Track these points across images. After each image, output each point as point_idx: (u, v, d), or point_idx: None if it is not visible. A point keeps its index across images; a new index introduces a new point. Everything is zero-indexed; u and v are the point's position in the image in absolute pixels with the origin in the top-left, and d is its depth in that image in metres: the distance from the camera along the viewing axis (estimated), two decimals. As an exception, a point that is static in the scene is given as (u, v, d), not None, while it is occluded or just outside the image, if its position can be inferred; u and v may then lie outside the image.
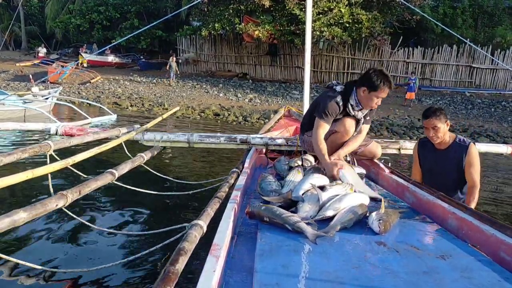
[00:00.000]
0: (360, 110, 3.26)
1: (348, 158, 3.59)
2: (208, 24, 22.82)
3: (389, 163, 4.03)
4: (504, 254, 1.82)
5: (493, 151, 4.71)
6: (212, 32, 22.53)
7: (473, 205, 2.99)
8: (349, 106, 3.23)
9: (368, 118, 3.41)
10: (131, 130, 4.38)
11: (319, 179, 2.69)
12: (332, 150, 3.39)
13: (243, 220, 2.31)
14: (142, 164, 3.69)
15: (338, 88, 3.27)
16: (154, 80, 23.66)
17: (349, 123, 3.28)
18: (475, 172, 3.15)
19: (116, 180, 2.97)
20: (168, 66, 23.82)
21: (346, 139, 3.35)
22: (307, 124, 3.59)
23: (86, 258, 3.41)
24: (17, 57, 32.57)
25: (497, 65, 19.72)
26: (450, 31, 7.91)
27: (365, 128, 3.46)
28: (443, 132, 3.21)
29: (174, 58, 23.92)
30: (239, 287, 1.59)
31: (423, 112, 3.32)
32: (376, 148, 3.73)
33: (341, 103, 3.20)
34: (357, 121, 3.35)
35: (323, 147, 3.14)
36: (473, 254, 1.87)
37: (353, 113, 3.26)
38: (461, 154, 3.20)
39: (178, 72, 24.16)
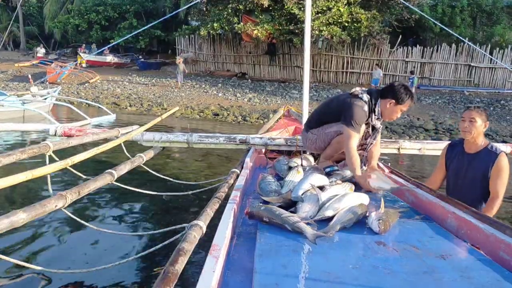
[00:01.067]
0: (378, 119, 3.35)
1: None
2: (207, 23, 22.80)
3: (389, 163, 4.03)
4: (503, 253, 1.82)
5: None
6: (211, 31, 22.51)
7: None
8: (373, 116, 3.30)
9: (379, 126, 3.48)
10: (130, 131, 4.38)
11: (319, 179, 2.69)
12: (337, 150, 3.53)
13: (243, 220, 2.30)
14: (141, 165, 3.69)
15: (365, 98, 3.27)
16: (153, 80, 23.64)
17: (363, 130, 3.36)
18: (500, 184, 2.95)
19: (115, 181, 2.97)
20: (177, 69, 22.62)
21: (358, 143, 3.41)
22: (315, 123, 3.62)
23: (85, 259, 3.41)
24: (16, 57, 32.51)
25: (496, 64, 19.74)
26: (449, 30, 7.91)
27: (379, 136, 3.57)
28: (478, 130, 3.01)
29: (181, 60, 22.87)
30: (238, 287, 1.59)
31: (466, 106, 3.30)
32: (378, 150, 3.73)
33: (368, 113, 3.26)
34: (373, 129, 3.43)
35: (356, 160, 3.09)
36: (473, 253, 1.87)
37: (373, 123, 3.35)
38: (489, 162, 3.00)
39: (186, 71, 23.29)
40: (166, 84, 22.67)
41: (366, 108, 3.22)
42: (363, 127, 3.32)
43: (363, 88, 3.43)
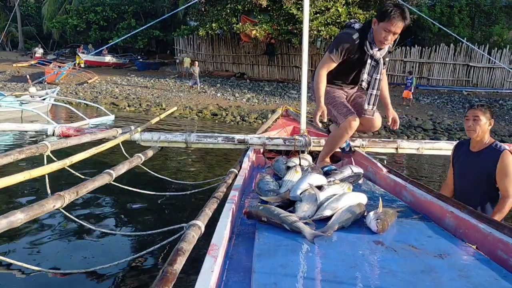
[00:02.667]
0: (379, 50, 3.07)
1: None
2: (205, 24, 22.81)
3: (385, 162, 4.03)
4: (501, 252, 1.82)
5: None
6: (210, 32, 22.52)
7: (497, 216, 2.82)
8: (367, 44, 3.03)
9: (387, 59, 3.24)
10: (129, 131, 4.38)
11: (317, 179, 2.69)
12: (332, 148, 3.49)
13: (241, 220, 2.30)
14: (140, 165, 3.68)
15: (356, 26, 3.07)
16: (152, 80, 23.63)
17: (354, 123, 3.21)
18: (509, 182, 2.88)
19: (113, 181, 2.97)
20: (192, 71, 21.87)
21: (346, 138, 3.34)
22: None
23: (83, 259, 3.41)
24: (14, 57, 32.46)
25: (494, 63, 19.77)
26: (447, 30, 7.93)
27: (384, 71, 3.31)
28: (482, 128, 2.97)
29: (197, 63, 22.04)
30: (237, 287, 1.59)
31: (470, 105, 3.26)
32: (379, 119, 3.51)
33: (357, 41, 3.00)
34: (377, 63, 3.15)
35: (322, 86, 2.99)
36: (471, 253, 1.87)
37: (371, 52, 3.06)
38: (492, 160, 2.94)
39: (200, 73, 22.59)
40: (165, 84, 22.66)
41: (355, 35, 3.00)
42: (354, 119, 3.17)
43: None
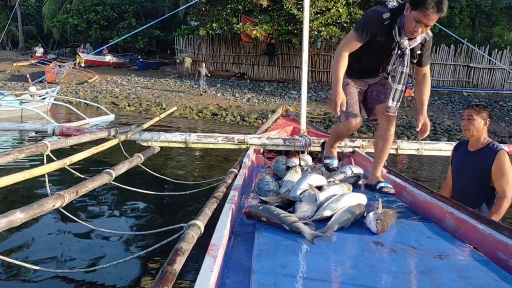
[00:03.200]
0: (409, 39, 2.67)
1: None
2: (206, 24, 22.82)
3: (385, 162, 4.03)
4: (501, 254, 1.82)
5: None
6: (210, 32, 22.54)
7: (495, 217, 2.81)
8: (396, 28, 2.63)
9: (420, 53, 2.79)
10: (128, 130, 4.38)
11: (317, 179, 2.69)
12: (334, 140, 3.40)
13: (241, 220, 2.30)
14: (140, 164, 3.68)
15: (391, 5, 2.67)
16: (152, 80, 23.63)
17: (354, 125, 3.00)
18: (506, 182, 2.86)
19: (113, 180, 2.96)
20: (197, 73, 21.30)
21: (345, 136, 3.23)
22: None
23: (83, 259, 3.41)
24: (14, 57, 32.47)
25: (495, 65, 19.78)
26: (448, 31, 7.93)
27: (426, 70, 2.89)
28: (477, 128, 2.98)
29: (204, 64, 21.74)
30: (236, 287, 1.59)
31: (468, 105, 3.25)
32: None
33: (386, 22, 2.61)
34: (403, 53, 2.76)
35: (342, 69, 2.67)
36: (471, 254, 1.87)
37: (398, 39, 2.67)
38: (488, 160, 2.93)
39: (208, 75, 22.14)
40: (165, 84, 22.66)
41: (386, 15, 2.61)
42: (356, 120, 2.96)
43: None
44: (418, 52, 2.77)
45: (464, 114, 3.08)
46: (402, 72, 2.81)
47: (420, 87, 2.91)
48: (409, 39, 2.66)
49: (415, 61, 2.81)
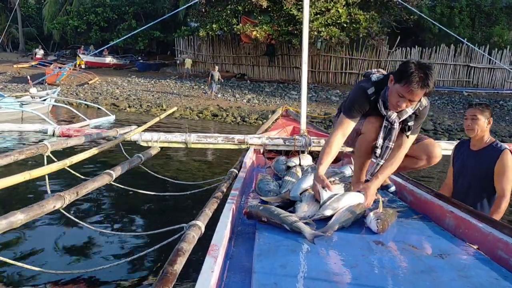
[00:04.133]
0: (396, 112, 2.43)
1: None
2: (206, 25, 22.82)
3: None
4: (502, 252, 1.82)
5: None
6: (210, 33, 22.51)
7: (495, 216, 2.77)
8: (380, 101, 2.44)
9: (412, 124, 2.49)
10: (129, 131, 4.38)
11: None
12: (362, 157, 2.73)
13: (241, 220, 2.31)
14: (140, 165, 3.68)
15: (374, 77, 2.49)
16: (152, 81, 23.63)
17: (373, 124, 2.55)
18: (506, 181, 2.85)
19: (113, 181, 2.96)
20: (209, 77, 19.93)
21: (371, 143, 2.59)
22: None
23: (83, 259, 3.41)
24: (15, 58, 32.45)
25: (495, 64, 19.77)
26: (448, 31, 7.93)
27: (409, 139, 2.54)
28: (481, 127, 2.95)
29: (217, 68, 20.61)
30: (237, 287, 1.59)
31: (469, 104, 3.10)
32: (433, 146, 2.68)
33: (373, 97, 2.44)
34: (391, 125, 2.48)
35: (328, 153, 2.43)
36: (471, 253, 1.87)
37: (384, 112, 2.45)
38: (492, 159, 2.91)
39: (222, 81, 20.83)
40: (165, 85, 22.66)
41: (371, 90, 2.44)
42: (372, 125, 2.53)
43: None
44: (411, 123, 2.48)
45: (467, 114, 3.04)
46: (387, 147, 2.53)
47: (391, 153, 2.55)
48: (398, 112, 2.42)
49: (408, 133, 2.51)
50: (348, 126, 2.48)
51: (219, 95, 19.64)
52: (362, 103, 2.46)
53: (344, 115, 2.48)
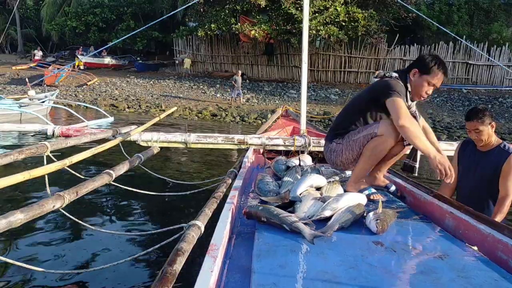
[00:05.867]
0: (412, 100, 2.74)
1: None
2: (204, 24, 22.84)
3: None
4: (501, 253, 1.82)
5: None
6: (209, 32, 22.54)
7: (499, 217, 2.81)
8: (408, 94, 2.68)
9: (417, 114, 2.81)
10: (128, 131, 4.37)
11: (317, 179, 2.69)
12: (372, 161, 2.73)
13: (241, 220, 2.31)
14: (140, 165, 3.68)
15: (394, 74, 2.71)
16: (151, 82, 23.62)
17: (390, 123, 2.58)
18: (510, 182, 2.86)
19: (113, 181, 2.96)
20: (233, 81, 19.02)
21: (391, 145, 2.64)
22: (342, 128, 2.86)
23: (83, 259, 3.41)
24: (13, 60, 32.44)
25: (493, 61, 19.78)
26: (446, 30, 7.94)
27: (423, 123, 2.91)
28: (487, 135, 2.95)
29: (240, 72, 19.77)
30: (236, 287, 1.59)
31: (466, 113, 3.03)
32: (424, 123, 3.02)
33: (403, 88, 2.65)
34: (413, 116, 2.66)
35: (419, 131, 2.45)
36: (471, 253, 1.87)
37: (409, 103, 2.70)
38: (500, 161, 2.91)
39: (246, 81, 20.33)
40: (164, 85, 22.65)
41: (401, 82, 2.65)
42: (388, 124, 2.59)
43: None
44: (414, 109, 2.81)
45: (469, 127, 3.00)
46: None
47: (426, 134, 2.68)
48: (411, 100, 2.73)
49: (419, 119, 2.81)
50: (405, 105, 2.55)
51: (243, 100, 19.03)
52: (403, 89, 2.62)
53: (398, 97, 2.51)
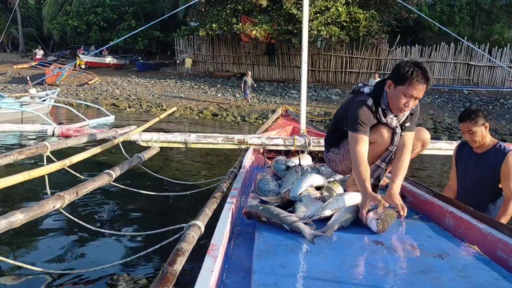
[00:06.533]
0: (396, 116, 2.48)
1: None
2: (206, 24, 22.83)
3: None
4: (501, 252, 1.82)
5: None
6: (210, 32, 22.53)
7: (504, 219, 2.79)
8: (380, 111, 2.46)
9: (409, 124, 2.55)
10: (128, 131, 4.38)
11: (317, 179, 2.69)
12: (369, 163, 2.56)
13: (241, 220, 2.31)
14: (140, 165, 3.68)
15: (366, 90, 2.53)
16: (152, 81, 23.64)
17: (386, 131, 2.52)
18: None
19: (113, 181, 2.96)
20: (243, 83, 19.00)
21: (383, 149, 2.57)
22: (333, 138, 2.86)
23: (83, 259, 3.41)
24: (15, 59, 32.47)
25: (494, 62, 19.76)
26: (447, 31, 7.93)
27: (409, 137, 2.58)
28: (481, 136, 2.94)
29: (249, 73, 19.51)
30: (237, 287, 1.59)
31: (460, 114, 3.03)
32: (424, 132, 2.84)
33: (373, 108, 2.45)
34: (393, 131, 2.51)
35: (364, 169, 2.32)
36: (471, 253, 1.87)
37: (385, 120, 2.47)
38: (497, 162, 2.90)
39: (254, 85, 19.77)
40: (165, 85, 22.66)
41: (369, 102, 2.43)
42: (385, 133, 2.50)
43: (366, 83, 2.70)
44: (407, 123, 2.54)
45: (462, 129, 3.01)
46: (390, 151, 2.57)
47: (396, 155, 2.55)
48: (396, 116, 2.47)
49: (408, 132, 2.57)
50: (364, 141, 2.40)
51: (255, 100, 18.90)
52: (368, 115, 2.42)
53: (356, 133, 2.39)
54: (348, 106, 2.56)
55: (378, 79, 18.01)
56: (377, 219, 2.06)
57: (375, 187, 2.62)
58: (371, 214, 2.12)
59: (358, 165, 2.33)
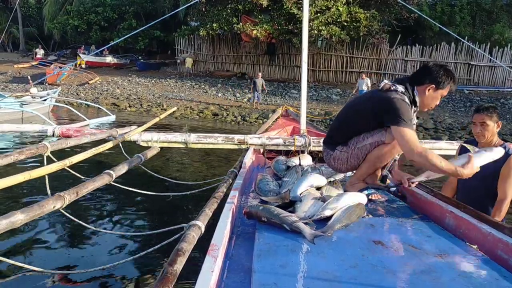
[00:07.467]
0: (415, 112, 2.72)
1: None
2: (206, 24, 22.82)
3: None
4: (501, 252, 1.82)
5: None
6: (210, 32, 22.52)
7: (497, 218, 2.76)
8: (413, 108, 2.65)
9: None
10: (129, 131, 4.37)
11: (317, 179, 2.69)
12: (375, 166, 2.75)
13: (241, 220, 2.31)
14: (140, 165, 3.68)
15: (400, 89, 2.60)
16: (153, 81, 23.64)
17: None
18: (509, 184, 2.85)
19: (113, 181, 2.96)
20: (252, 85, 18.19)
21: (396, 153, 2.70)
22: (341, 136, 2.83)
23: (83, 260, 3.41)
24: (15, 58, 32.48)
25: (495, 62, 19.74)
26: (448, 31, 7.92)
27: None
28: (491, 132, 2.94)
29: (260, 74, 18.72)
30: (237, 287, 1.59)
31: (477, 106, 3.04)
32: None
33: (410, 106, 2.60)
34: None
35: (436, 155, 2.38)
36: (471, 253, 1.86)
37: (415, 121, 2.72)
38: (500, 162, 2.81)
39: (266, 90, 18.85)
40: (166, 85, 22.66)
41: (407, 99, 2.57)
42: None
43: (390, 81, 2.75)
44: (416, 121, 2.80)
45: (475, 120, 2.98)
46: None
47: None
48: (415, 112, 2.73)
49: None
50: (415, 134, 2.50)
51: (258, 102, 18.10)
52: (410, 114, 2.55)
53: (408, 127, 2.44)
54: (384, 102, 2.56)
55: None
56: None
57: (385, 178, 2.81)
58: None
59: (428, 156, 2.36)
